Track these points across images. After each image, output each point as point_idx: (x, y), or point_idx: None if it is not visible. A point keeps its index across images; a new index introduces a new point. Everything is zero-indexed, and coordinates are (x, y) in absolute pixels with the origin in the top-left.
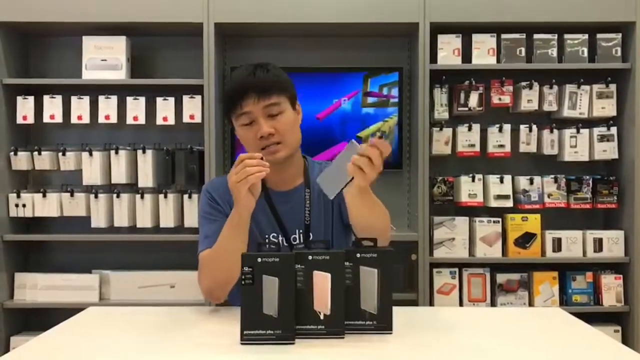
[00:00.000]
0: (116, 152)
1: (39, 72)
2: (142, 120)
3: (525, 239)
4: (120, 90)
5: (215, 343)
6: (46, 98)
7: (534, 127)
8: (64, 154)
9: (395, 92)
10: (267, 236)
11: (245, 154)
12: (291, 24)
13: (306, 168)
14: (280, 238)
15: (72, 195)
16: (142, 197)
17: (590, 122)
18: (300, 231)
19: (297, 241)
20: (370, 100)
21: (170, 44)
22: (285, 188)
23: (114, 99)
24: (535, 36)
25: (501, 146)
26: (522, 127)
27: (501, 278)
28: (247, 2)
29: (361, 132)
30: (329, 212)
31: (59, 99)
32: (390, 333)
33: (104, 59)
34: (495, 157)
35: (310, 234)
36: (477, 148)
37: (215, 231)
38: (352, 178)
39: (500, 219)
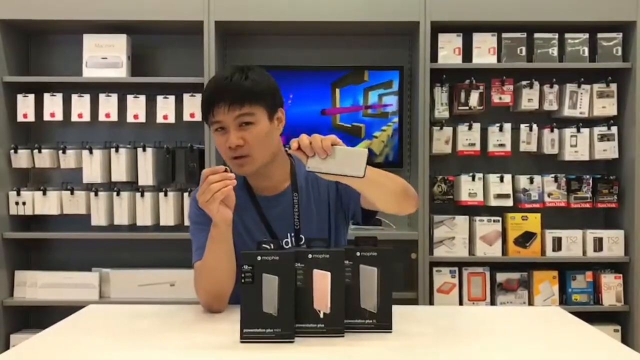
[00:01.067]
0: (116, 150)
1: (40, 69)
2: (142, 118)
3: (525, 238)
4: (121, 89)
5: (215, 341)
6: (47, 96)
7: (535, 126)
8: (64, 152)
9: (388, 100)
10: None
11: (209, 169)
12: (291, 22)
13: (293, 169)
14: (271, 245)
15: (72, 193)
16: (142, 195)
17: (590, 122)
18: (292, 235)
19: (289, 246)
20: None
21: (170, 42)
22: (272, 193)
23: (114, 97)
24: (536, 35)
25: (501, 145)
26: (522, 126)
27: (501, 277)
28: (247, 0)
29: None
30: (322, 211)
31: (59, 96)
32: (390, 332)
33: (105, 57)
34: (495, 156)
35: (302, 237)
36: (478, 147)
37: (204, 240)
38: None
39: (500, 218)
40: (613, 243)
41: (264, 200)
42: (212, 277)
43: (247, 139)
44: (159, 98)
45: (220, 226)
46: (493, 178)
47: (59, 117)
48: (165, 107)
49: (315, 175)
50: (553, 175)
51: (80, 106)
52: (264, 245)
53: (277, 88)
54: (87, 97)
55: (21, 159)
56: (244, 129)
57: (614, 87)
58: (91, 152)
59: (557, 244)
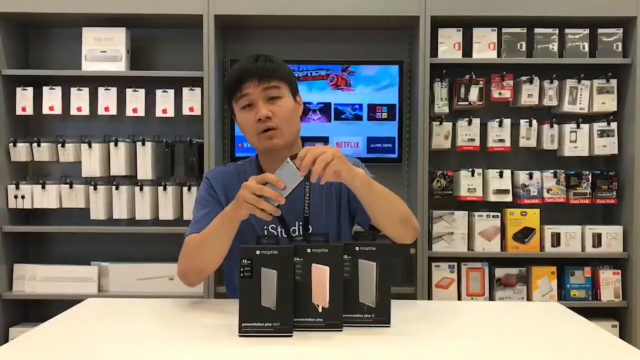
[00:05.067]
0: (115, 144)
1: (39, 63)
2: (141, 112)
3: (524, 234)
4: (120, 82)
5: (214, 335)
6: (45, 89)
7: (534, 121)
8: (63, 146)
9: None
10: (265, 227)
11: (273, 177)
12: (291, 16)
13: None
14: (279, 229)
15: (71, 187)
16: (141, 189)
17: (590, 117)
18: (300, 223)
19: (297, 233)
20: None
21: (170, 36)
22: None
23: (113, 90)
24: (536, 30)
25: (501, 141)
26: (522, 121)
27: (500, 272)
28: None
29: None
30: (332, 203)
31: (58, 90)
32: (388, 326)
33: (104, 50)
34: (494, 151)
35: (310, 227)
36: (477, 142)
37: (205, 217)
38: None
39: (499, 214)
40: (612, 239)
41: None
42: (204, 254)
43: (275, 111)
44: (158, 92)
45: (235, 218)
46: (492, 173)
47: (58, 110)
48: (165, 101)
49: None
50: (552, 170)
51: (79, 100)
52: (271, 237)
53: (294, 75)
54: (86, 91)
55: (20, 152)
56: (272, 103)
57: (614, 82)
58: (90, 146)
59: (556, 239)
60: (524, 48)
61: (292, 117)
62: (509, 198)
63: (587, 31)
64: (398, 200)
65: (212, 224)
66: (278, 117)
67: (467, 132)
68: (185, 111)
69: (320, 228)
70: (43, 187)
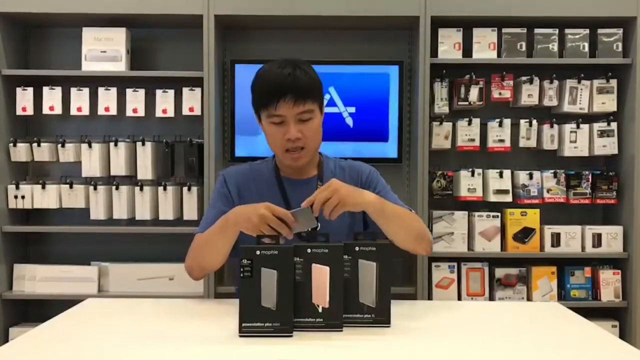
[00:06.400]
0: (115, 144)
1: (39, 63)
2: (141, 112)
3: (524, 234)
4: (120, 82)
5: (214, 335)
6: (45, 89)
7: (534, 121)
8: (63, 146)
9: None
10: None
11: (291, 218)
12: (291, 16)
13: (321, 162)
14: None
15: (71, 187)
16: (141, 189)
17: (590, 117)
18: None
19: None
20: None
21: (170, 36)
22: (299, 177)
23: (113, 90)
24: (536, 31)
25: (501, 141)
26: (522, 121)
27: (500, 272)
28: None
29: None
30: None
31: (58, 90)
32: (389, 326)
33: (104, 50)
34: (495, 151)
35: (319, 225)
36: (477, 142)
37: (214, 217)
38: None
39: (499, 214)
40: (612, 239)
41: (289, 183)
42: (207, 254)
43: (305, 133)
44: (158, 92)
45: (237, 227)
46: (492, 173)
47: (58, 110)
48: (165, 101)
49: (342, 173)
50: (552, 171)
51: (80, 100)
52: (262, 240)
53: (322, 86)
54: (86, 91)
55: (20, 152)
56: (303, 123)
57: (614, 82)
58: (90, 146)
59: (556, 239)
60: (524, 48)
61: (318, 134)
62: (509, 198)
63: (587, 31)
64: (412, 217)
65: (214, 226)
66: (307, 136)
67: (467, 132)
68: (185, 111)
69: (327, 226)
70: (43, 187)
